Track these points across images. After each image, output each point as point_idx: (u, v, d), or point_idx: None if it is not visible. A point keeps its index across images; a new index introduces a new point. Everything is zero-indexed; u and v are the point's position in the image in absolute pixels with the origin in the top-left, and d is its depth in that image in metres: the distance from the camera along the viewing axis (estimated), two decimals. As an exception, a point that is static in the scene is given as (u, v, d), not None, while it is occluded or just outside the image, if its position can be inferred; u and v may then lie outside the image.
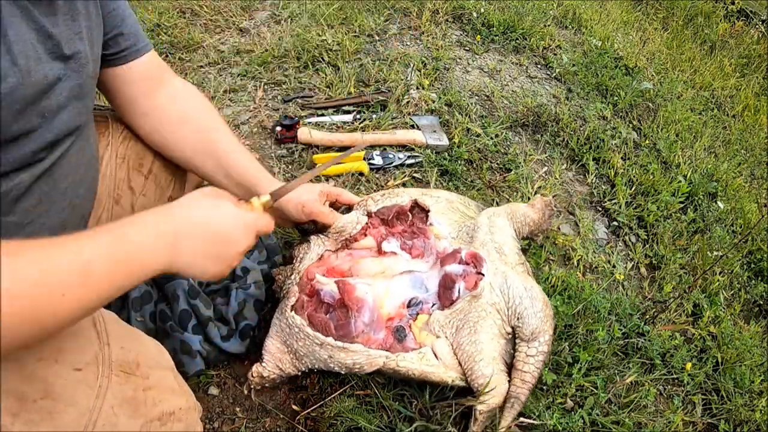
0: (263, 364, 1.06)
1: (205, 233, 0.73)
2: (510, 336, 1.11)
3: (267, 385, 1.09)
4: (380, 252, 1.18)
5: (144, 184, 1.09)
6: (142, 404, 0.74)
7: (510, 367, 1.08)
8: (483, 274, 1.10)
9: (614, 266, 1.54)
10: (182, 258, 0.70)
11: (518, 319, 1.08)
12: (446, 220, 1.26)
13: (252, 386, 1.10)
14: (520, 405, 1.03)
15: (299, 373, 1.07)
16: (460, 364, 1.04)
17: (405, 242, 1.19)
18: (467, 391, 1.12)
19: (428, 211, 1.25)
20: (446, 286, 1.11)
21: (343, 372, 1.02)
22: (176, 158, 1.06)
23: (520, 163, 1.75)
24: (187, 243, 0.70)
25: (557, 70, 2.25)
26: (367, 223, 1.21)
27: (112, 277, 0.61)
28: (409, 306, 1.11)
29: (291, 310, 1.04)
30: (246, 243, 0.78)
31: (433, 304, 1.12)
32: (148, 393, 0.75)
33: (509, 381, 1.05)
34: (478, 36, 2.37)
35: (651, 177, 1.80)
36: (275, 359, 1.06)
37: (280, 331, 1.06)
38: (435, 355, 1.04)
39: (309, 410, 1.07)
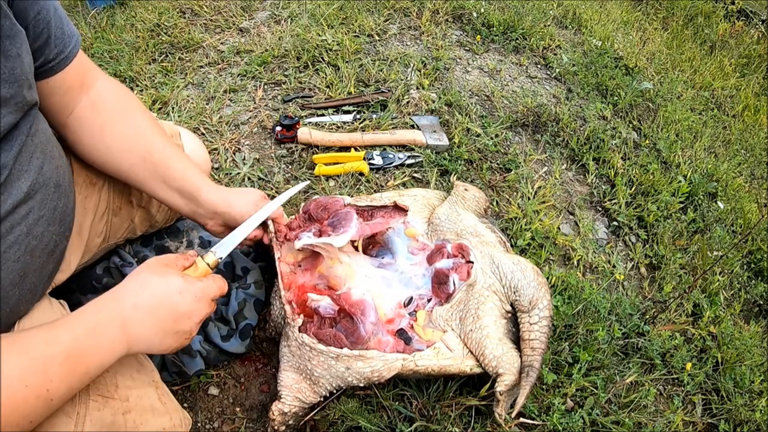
0: (282, 400, 1.00)
1: (156, 315, 0.72)
2: (510, 315, 1.12)
3: (291, 422, 1.02)
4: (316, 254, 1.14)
5: (141, 196, 1.09)
6: (122, 428, 0.74)
7: (517, 343, 1.09)
8: (472, 262, 1.12)
9: (614, 266, 1.54)
10: (138, 343, 0.71)
11: (515, 292, 1.10)
12: (421, 218, 1.29)
13: (276, 427, 1.01)
14: (536, 372, 1.03)
15: (320, 399, 1.03)
16: (470, 351, 1.05)
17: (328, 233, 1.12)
18: (468, 386, 1.12)
19: (407, 211, 1.27)
20: (440, 281, 1.12)
21: (362, 384, 1.00)
22: (107, 169, 0.95)
23: (520, 163, 1.75)
24: (139, 329, 0.71)
25: (557, 70, 2.25)
26: (288, 228, 1.16)
27: (72, 392, 0.65)
28: (406, 305, 1.12)
29: (300, 332, 1.01)
30: (201, 312, 0.77)
31: (429, 299, 1.12)
32: (128, 416, 0.75)
33: (519, 354, 1.06)
34: (478, 36, 2.37)
35: (651, 177, 1.80)
36: (293, 391, 1.01)
37: (291, 359, 1.03)
38: (448, 348, 1.04)
39: (312, 414, 1.06)
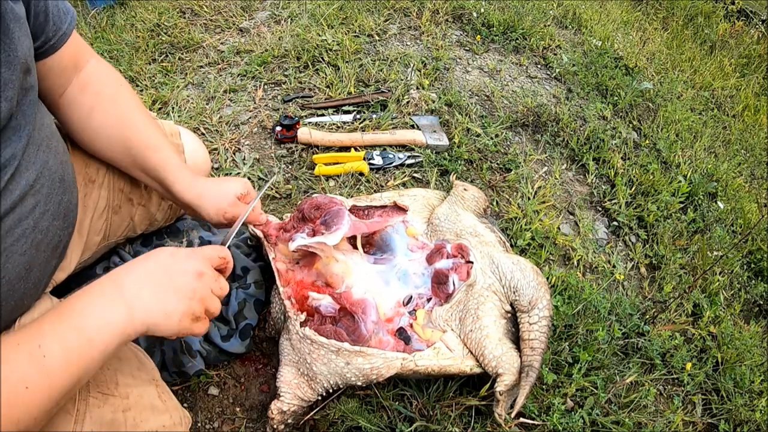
0: (281, 398, 1.00)
1: (151, 274, 0.70)
2: (510, 315, 1.12)
3: (290, 421, 1.03)
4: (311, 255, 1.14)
5: (141, 195, 1.09)
6: (122, 426, 0.73)
7: (517, 343, 1.09)
8: (472, 262, 1.12)
9: (614, 266, 1.54)
10: (137, 302, 0.66)
11: (514, 292, 1.11)
12: (421, 218, 1.29)
13: (275, 426, 1.02)
14: (535, 372, 1.02)
15: (319, 398, 1.03)
16: (470, 351, 1.05)
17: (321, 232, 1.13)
18: (468, 386, 1.12)
19: (407, 210, 1.27)
20: (440, 281, 1.12)
21: (360, 382, 1.00)
22: (97, 153, 0.96)
23: (520, 163, 1.75)
24: (135, 286, 0.67)
25: (557, 70, 2.25)
26: (283, 229, 1.16)
27: (70, 363, 0.60)
28: (406, 304, 1.12)
29: (301, 326, 1.01)
30: (197, 267, 0.73)
31: (429, 299, 1.12)
32: (128, 414, 0.75)
33: (519, 354, 1.06)
34: (478, 36, 2.37)
35: (651, 177, 1.80)
36: (292, 388, 1.01)
37: (290, 353, 1.03)
38: (448, 348, 1.05)
39: (312, 413, 1.06)
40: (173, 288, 0.70)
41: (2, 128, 0.66)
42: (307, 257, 1.15)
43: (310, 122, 1.77)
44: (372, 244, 1.23)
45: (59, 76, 0.86)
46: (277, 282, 1.07)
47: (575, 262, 1.50)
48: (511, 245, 1.40)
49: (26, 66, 0.70)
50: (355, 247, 1.20)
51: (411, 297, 1.12)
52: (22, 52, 0.68)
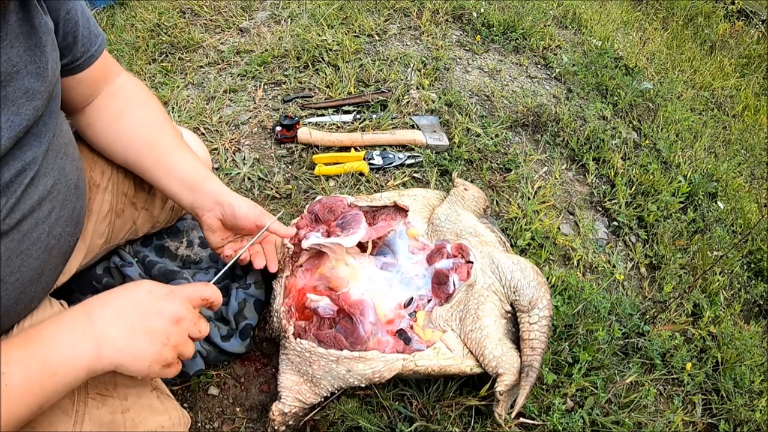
0: (282, 401, 1.01)
1: (123, 312, 0.68)
2: (510, 315, 1.12)
3: (291, 422, 1.03)
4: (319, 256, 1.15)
5: (146, 199, 1.09)
6: (121, 427, 0.74)
7: (517, 343, 1.09)
8: (472, 262, 1.12)
9: (614, 266, 1.54)
10: (107, 341, 0.65)
11: (514, 292, 1.11)
12: (421, 218, 1.29)
13: (276, 427, 1.02)
14: (535, 372, 1.02)
15: (321, 399, 1.03)
16: (470, 352, 1.05)
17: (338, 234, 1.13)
18: (468, 386, 1.12)
19: (407, 211, 1.27)
20: (440, 281, 1.12)
21: (363, 385, 1.00)
22: (113, 154, 0.97)
23: (520, 163, 1.74)
24: (106, 325, 0.66)
25: (557, 70, 2.25)
26: (296, 227, 1.16)
27: (29, 394, 0.59)
28: (406, 306, 1.12)
29: (295, 338, 1.01)
30: (174, 312, 0.70)
31: (429, 300, 1.12)
32: (127, 415, 0.75)
33: (519, 354, 1.05)
34: (478, 36, 2.37)
35: (651, 177, 1.80)
36: (293, 392, 1.01)
37: (290, 364, 1.03)
38: (448, 348, 1.05)
39: (312, 414, 1.06)
40: (145, 330, 0.68)
41: (25, 134, 0.67)
42: (310, 260, 1.15)
43: (310, 122, 1.77)
44: (374, 246, 1.23)
45: (87, 88, 0.90)
46: (279, 300, 1.08)
47: (575, 262, 1.50)
48: (511, 245, 1.40)
49: (55, 78, 0.73)
50: (362, 250, 1.21)
51: (412, 299, 1.12)
52: (51, 65, 0.70)
